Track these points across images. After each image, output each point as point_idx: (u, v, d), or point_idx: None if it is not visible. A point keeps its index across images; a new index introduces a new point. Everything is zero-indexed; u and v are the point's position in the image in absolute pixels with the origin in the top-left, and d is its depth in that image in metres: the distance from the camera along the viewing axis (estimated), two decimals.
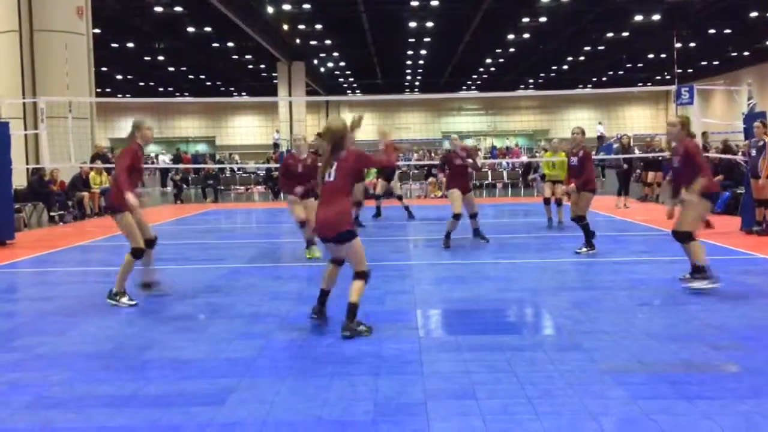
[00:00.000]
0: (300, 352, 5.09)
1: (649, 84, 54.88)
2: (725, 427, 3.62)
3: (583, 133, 9.83)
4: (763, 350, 4.93)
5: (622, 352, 4.91)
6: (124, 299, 6.75)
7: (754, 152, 11.18)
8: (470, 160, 10.75)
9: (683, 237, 6.97)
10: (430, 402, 4.03)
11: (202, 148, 59.73)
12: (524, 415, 3.81)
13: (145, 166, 38.32)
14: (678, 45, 35.32)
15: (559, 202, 12.74)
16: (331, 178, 5.53)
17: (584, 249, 9.41)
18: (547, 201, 12.79)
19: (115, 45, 37.20)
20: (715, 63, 47.94)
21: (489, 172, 24.93)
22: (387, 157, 5.86)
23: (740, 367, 4.55)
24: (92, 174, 17.09)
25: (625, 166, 17.19)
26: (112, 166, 10.34)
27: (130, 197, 6.53)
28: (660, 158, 17.74)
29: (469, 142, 52.19)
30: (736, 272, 7.95)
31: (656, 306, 6.40)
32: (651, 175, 18.39)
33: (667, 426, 3.63)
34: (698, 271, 6.88)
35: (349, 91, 63.59)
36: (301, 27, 35.03)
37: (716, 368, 4.56)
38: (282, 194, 14.70)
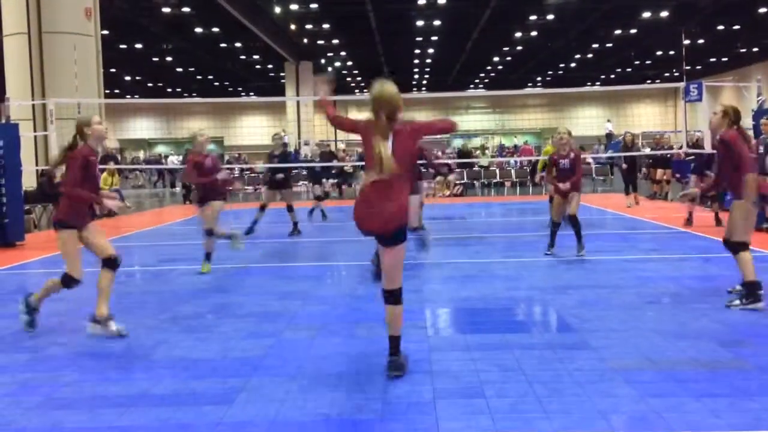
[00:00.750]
0: (309, 352, 5.10)
1: (657, 81, 54.68)
2: (734, 424, 3.61)
3: (569, 134, 9.39)
4: None
5: (630, 350, 4.91)
6: (111, 324, 5.66)
7: (762, 149, 11.12)
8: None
9: (735, 247, 6.24)
10: (439, 401, 4.04)
11: (211, 148, 59.71)
12: (533, 414, 3.81)
13: (156, 166, 38.16)
14: (686, 42, 35.18)
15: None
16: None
17: (583, 251, 9.18)
18: (551, 199, 12.81)
19: (123, 46, 37.34)
20: (724, 59, 47.71)
21: (497, 171, 24.88)
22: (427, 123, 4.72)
23: (749, 365, 4.54)
24: (104, 175, 17.16)
25: (624, 165, 17.11)
26: (123, 167, 10.36)
27: (109, 202, 6.18)
28: (669, 155, 17.68)
29: (477, 141, 52.16)
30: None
31: (665, 304, 6.38)
32: (659, 173, 18.34)
33: (676, 424, 3.62)
34: (749, 288, 6.07)
35: (356, 91, 63.60)
36: (309, 26, 35.06)
37: (725, 366, 4.54)
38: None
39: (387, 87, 4.55)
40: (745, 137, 6.38)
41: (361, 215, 4.45)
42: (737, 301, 6.11)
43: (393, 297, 4.55)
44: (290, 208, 12.41)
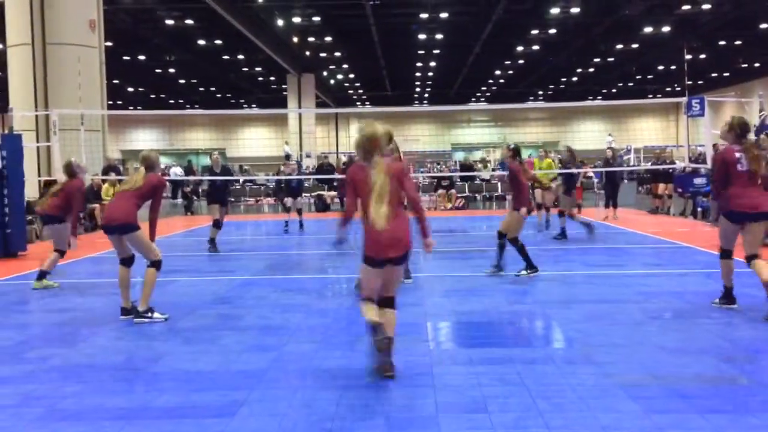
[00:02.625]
0: (311, 365, 5.08)
1: (659, 96, 54.80)
2: None
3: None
4: None
5: (634, 366, 4.89)
6: (156, 315, 6.66)
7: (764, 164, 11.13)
8: None
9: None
10: (441, 415, 4.02)
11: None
12: (536, 429, 3.80)
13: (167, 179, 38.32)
14: (688, 57, 35.29)
15: (547, 209, 13.81)
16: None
17: (490, 270, 9.02)
18: (539, 206, 13.67)
19: (126, 58, 37.46)
20: (726, 74, 47.84)
21: (499, 184, 24.90)
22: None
23: (753, 381, 4.53)
24: (105, 186, 17.19)
25: (602, 181, 17.14)
26: (126, 178, 10.36)
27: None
28: (671, 170, 17.70)
29: (479, 154, 52.24)
30: (748, 285, 7.89)
31: (668, 319, 6.37)
32: (661, 187, 18.35)
33: None
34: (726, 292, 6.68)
35: (358, 103, 63.76)
36: (311, 39, 35.18)
37: (729, 382, 4.53)
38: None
39: (367, 129, 4.91)
40: (748, 151, 6.43)
41: (381, 247, 4.75)
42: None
43: (393, 302, 4.99)
44: (217, 224, 12.31)
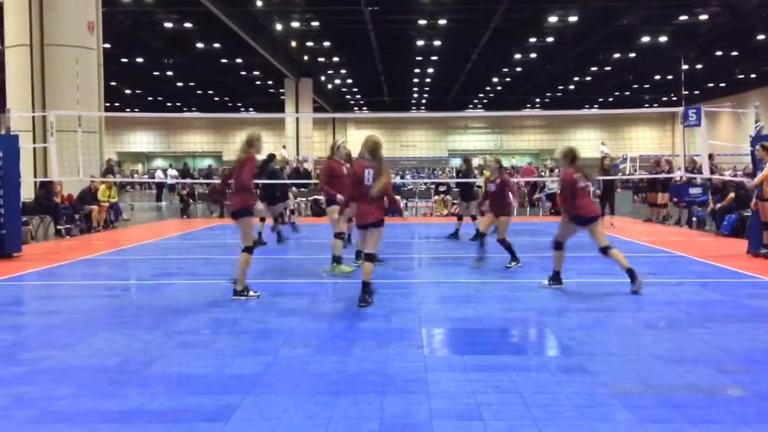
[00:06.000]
0: (306, 369, 5.08)
1: (655, 105, 55.01)
2: None
3: (498, 162, 11.06)
4: None
5: (628, 375, 4.89)
6: (250, 293, 7.83)
7: (759, 174, 11.17)
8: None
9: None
10: (435, 422, 4.02)
11: (208, 162, 59.92)
12: None
13: (148, 180, 38.53)
14: (685, 67, 35.45)
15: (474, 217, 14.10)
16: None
17: (514, 264, 10.17)
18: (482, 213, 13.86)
19: (124, 60, 37.50)
20: (722, 85, 48.05)
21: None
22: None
23: (747, 391, 4.53)
24: (102, 187, 17.17)
25: (599, 191, 17.08)
26: (122, 179, 10.39)
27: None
28: (670, 179, 17.71)
29: (475, 161, 52.28)
30: (743, 295, 7.93)
31: (663, 328, 6.38)
32: (659, 196, 18.37)
33: None
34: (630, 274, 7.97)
35: (356, 108, 63.85)
36: (310, 44, 35.27)
37: (723, 392, 4.54)
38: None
39: (374, 139, 7.64)
40: (580, 171, 8.34)
41: (362, 216, 7.53)
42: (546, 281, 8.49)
43: (372, 258, 7.55)
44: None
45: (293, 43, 35.46)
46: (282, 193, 13.79)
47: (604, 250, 8.16)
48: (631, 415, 4.10)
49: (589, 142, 51.24)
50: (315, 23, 30.44)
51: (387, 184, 7.46)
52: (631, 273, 7.96)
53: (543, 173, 33.93)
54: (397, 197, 15.38)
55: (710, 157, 15.03)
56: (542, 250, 12.39)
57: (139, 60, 38.44)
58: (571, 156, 8.38)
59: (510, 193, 10.71)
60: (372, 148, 7.55)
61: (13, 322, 6.95)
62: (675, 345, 5.70)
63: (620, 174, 27.94)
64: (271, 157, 14.45)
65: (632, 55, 37.05)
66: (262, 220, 13.57)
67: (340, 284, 8.88)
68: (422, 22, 29.63)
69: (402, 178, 35.84)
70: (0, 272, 10.04)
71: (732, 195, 14.31)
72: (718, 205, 14.68)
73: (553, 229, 15.26)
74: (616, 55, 37.44)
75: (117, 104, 52.93)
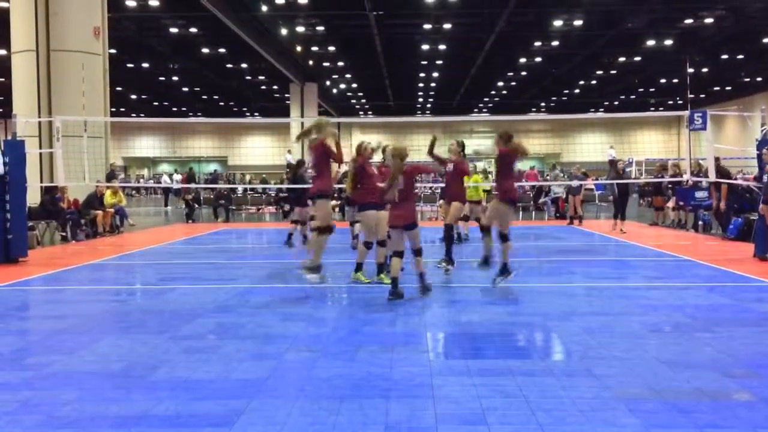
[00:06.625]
0: (311, 374, 5.07)
1: (661, 109, 54.89)
2: None
3: (459, 144, 10.39)
4: None
5: (634, 379, 4.88)
6: (315, 275, 8.36)
7: (765, 178, 11.14)
8: None
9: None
10: (441, 426, 4.01)
11: (213, 167, 60.08)
12: None
13: (154, 185, 38.70)
14: (690, 70, 35.35)
15: (466, 218, 13.97)
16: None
17: (443, 264, 9.90)
18: (465, 218, 13.93)
19: (130, 65, 37.61)
20: (728, 88, 47.92)
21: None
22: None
23: (754, 396, 4.51)
24: (108, 192, 17.23)
25: (615, 194, 17.04)
26: (128, 185, 10.43)
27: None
28: (677, 183, 17.64)
29: (480, 165, 52.20)
30: (749, 299, 7.90)
31: (669, 332, 6.35)
32: (665, 200, 18.32)
33: None
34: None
35: (361, 113, 63.90)
36: (315, 49, 35.31)
37: (729, 397, 4.51)
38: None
39: (400, 146, 8.15)
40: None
41: (396, 218, 8.07)
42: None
43: (420, 252, 8.21)
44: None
45: (298, 48, 35.51)
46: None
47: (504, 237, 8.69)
48: (637, 419, 4.08)
49: (594, 146, 51.26)
50: (320, 28, 30.48)
51: (412, 169, 8.17)
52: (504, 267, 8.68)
53: (548, 177, 33.87)
54: None
55: (716, 160, 14.98)
56: (548, 255, 12.39)
57: (145, 65, 38.56)
58: (506, 136, 8.66)
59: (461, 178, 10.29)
60: (394, 155, 8.03)
61: (19, 326, 6.96)
62: (681, 349, 5.68)
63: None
64: (301, 162, 15.11)
65: (638, 58, 37.00)
66: (295, 222, 14.13)
67: (345, 289, 8.87)
68: (427, 26, 29.64)
69: None
70: (6, 277, 10.07)
71: (725, 187, 14.07)
72: (722, 203, 14.34)
73: (559, 233, 15.31)
74: (622, 59, 37.40)
75: (123, 109, 53.08)
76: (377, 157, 9.87)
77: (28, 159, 12.65)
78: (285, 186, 21.62)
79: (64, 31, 17.08)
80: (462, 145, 10.53)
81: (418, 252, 8.14)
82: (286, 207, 15.62)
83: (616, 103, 55.19)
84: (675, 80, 43.20)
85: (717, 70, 40.35)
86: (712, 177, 13.62)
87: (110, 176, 17.60)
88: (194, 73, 41.13)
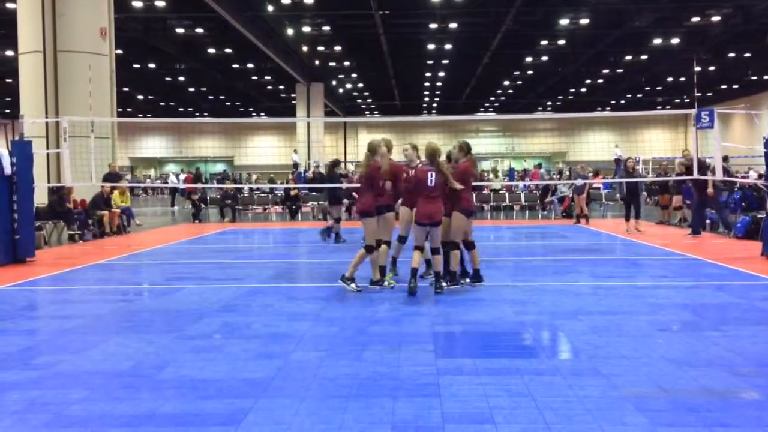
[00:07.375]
0: (317, 373, 5.07)
1: (668, 107, 54.72)
2: None
3: (413, 148, 9.22)
4: None
5: (642, 378, 4.86)
6: (353, 285, 8.36)
7: None
8: None
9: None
10: (448, 425, 4.00)
11: (220, 167, 60.23)
12: None
13: (160, 185, 38.96)
14: (697, 68, 35.25)
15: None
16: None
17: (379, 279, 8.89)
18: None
19: (137, 66, 37.71)
20: (735, 87, 47.74)
21: (506, 194, 24.88)
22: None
23: (762, 395, 4.49)
24: (116, 193, 17.26)
25: (624, 193, 16.97)
26: (136, 185, 10.43)
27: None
28: (683, 182, 17.58)
29: (487, 164, 52.21)
30: (757, 298, 7.87)
31: (676, 331, 6.33)
32: (675, 199, 18.27)
33: None
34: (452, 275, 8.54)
35: (367, 112, 63.90)
36: (321, 48, 35.33)
37: (737, 395, 4.50)
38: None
39: (433, 144, 8.29)
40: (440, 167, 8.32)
41: (423, 215, 8.15)
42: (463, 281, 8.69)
43: (439, 251, 8.33)
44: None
45: (304, 48, 35.55)
46: (341, 197, 15.08)
47: (471, 245, 8.78)
48: (645, 418, 4.07)
49: (601, 145, 51.12)
50: (326, 28, 30.49)
51: (464, 172, 8.41)
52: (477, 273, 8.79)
53: (555, 177, 33.83)
54: None
55: (725, 159, 14.95)
56: (555, 253, 12.36)
57: (151, 66, 38.64)
58: (466, 148, 8.69)
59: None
60: (429, 154, 8.19)
61: (27, 326, 6.98)
62: (689, 348, 5.66)
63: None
64: (336, 162, 15.70)
65: (644, 57, 36.88)
66: (338, 221, 14.65)
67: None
68: (433, 25, 29.62)
69: None
70: (14, 277, 10.11)
71: (711, 187, 14.14)
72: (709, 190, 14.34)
73: (565, 233, 15.26)
74: (628, 58, 37.28)
75: (129, 110, 53.23)
76: (395, 157, 9.42)
77: (35, 159, 12.69)
78: (307, 186, 22.48)
79: (70, 31, 17.13)
80: (416, 148, 9.30)
81: (437, 250, 8.27)
82: (294, 207, 15.80)
83: (622, 101, 55.05)
84: (682, 78, 43.05)
85: (724, 68, 40.19)
86: (719, 175, 13.57)
87: (109, 178, 17.57)
88: (201, 73, 41.21)
